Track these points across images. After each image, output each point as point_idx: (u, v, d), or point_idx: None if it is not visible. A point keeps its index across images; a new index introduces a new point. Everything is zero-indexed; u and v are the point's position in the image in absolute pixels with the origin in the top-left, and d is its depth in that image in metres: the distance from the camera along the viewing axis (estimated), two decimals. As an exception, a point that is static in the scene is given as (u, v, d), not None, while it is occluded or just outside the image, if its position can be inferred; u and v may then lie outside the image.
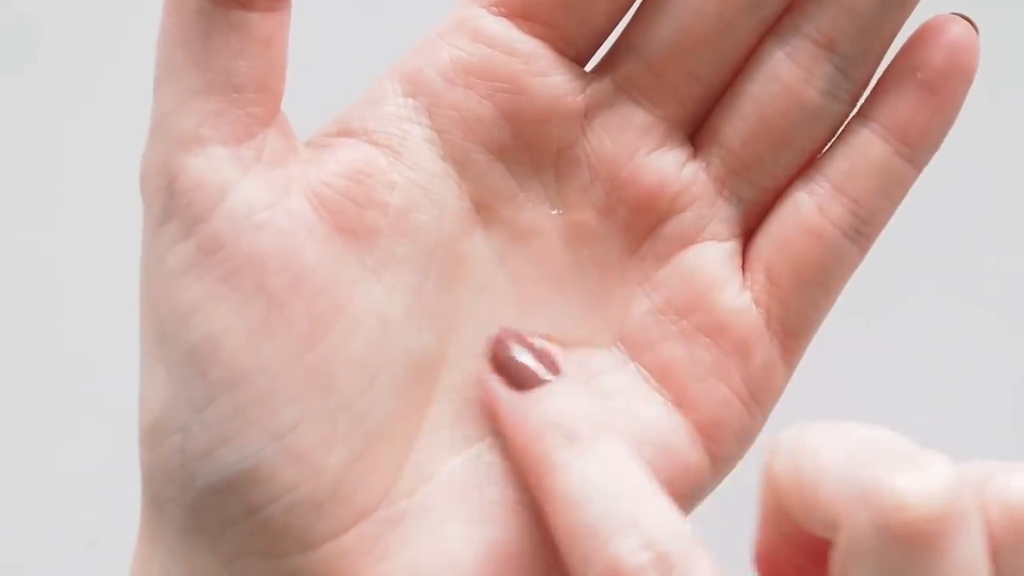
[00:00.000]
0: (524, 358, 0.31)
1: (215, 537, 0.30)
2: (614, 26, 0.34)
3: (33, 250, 0.43)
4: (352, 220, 0.31)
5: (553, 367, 0.31)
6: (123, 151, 0.41)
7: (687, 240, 0.33)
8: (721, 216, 0.33)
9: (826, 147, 0.34)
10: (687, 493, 0.32)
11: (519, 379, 0.31)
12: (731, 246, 0.34)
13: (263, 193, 0.30)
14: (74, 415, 0.42)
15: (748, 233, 0.34)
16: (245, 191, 0.30)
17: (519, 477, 0.31)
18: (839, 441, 0.27)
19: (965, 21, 0.33)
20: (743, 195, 0.34)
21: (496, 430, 0.31)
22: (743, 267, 0.34)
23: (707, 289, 0.33)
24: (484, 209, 0.32)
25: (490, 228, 0.33)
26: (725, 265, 0.33)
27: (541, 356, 0.31)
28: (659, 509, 0.29)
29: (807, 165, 0.34)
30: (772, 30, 0.34)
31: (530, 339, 0.32)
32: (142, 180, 0.30)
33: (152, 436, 0.30)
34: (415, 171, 0.32)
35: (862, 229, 0.33)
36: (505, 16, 0.32)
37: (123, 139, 0.41)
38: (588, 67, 0.34)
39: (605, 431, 0.30)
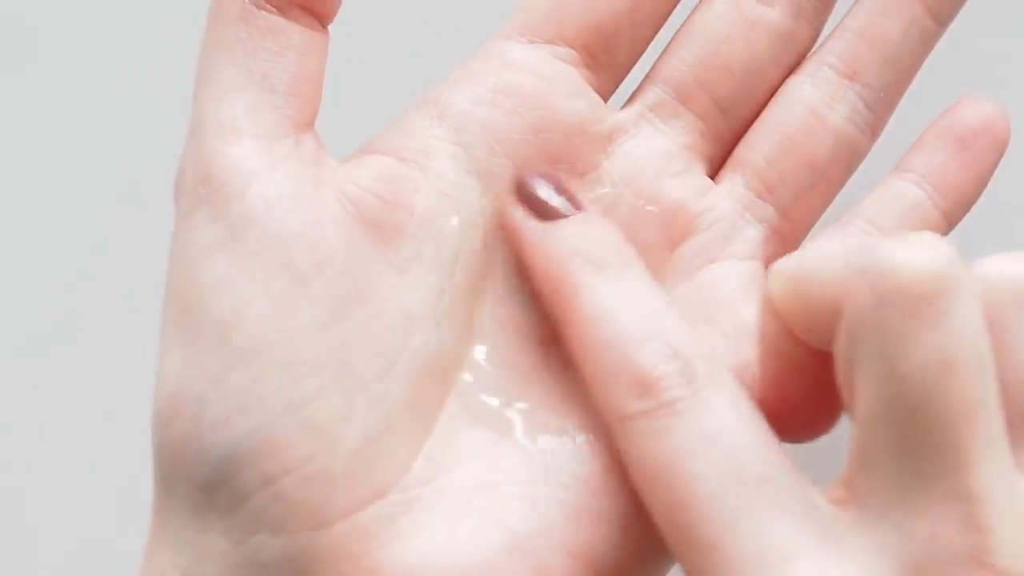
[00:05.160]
0: (547, 192, 0.32)
1: (228, 514, 0.29)
2: (636, 60, 0.35)
3: (33, 250, 0.43)
4: (379, 216, 0.31)
5: (576, 203, 0.32)
6: (124, 151, 0.41)
7: (708, 259, 0.34)
8: (743, 237, 0.34)
9: (850, 181, 0.36)
10: None
11: (542, 210, 0.32)
12: (753, 266, 0.34)
13: (293, 183, 0.31)
14: (74, 415, 0.42)
15: (771, 263, 0.34)
16: (275, 179, 0.30)
17: (534, 472, 0.31)
18: (826, 246, 0.28)
19: (996, 103, 0.35)
20: (766, 219, 0.35)
21: (501, 441, 0.31)
22: None
23: (729, 302, 0.34)
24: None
25: (512, 243, 0.33)
26: (747, 282, 0.34)
27: (564, 192, 0.32)
28: (682, 326, 0.29)
29: (829, 192, 0.35)
30: (798, 66, 0.36)
31: (555, 175, 0.32)
32: (177, 177, 0.31)
33: (166, 412, 0.30)
34: (441, 181, 0.32)
35: None
36: (532, 43, 0.34)
37: (124, 139, 0.41)
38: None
39: (629, 259, 0.31)
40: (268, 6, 0.31)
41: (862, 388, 0.26)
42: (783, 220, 0.35)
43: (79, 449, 0.42)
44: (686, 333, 0.29)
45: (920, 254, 0.26)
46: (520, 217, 0.32)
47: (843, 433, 0.29)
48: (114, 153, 0.42)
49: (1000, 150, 0.35)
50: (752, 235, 0.34)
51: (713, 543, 0.27)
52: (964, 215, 0.35)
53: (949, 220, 0.35)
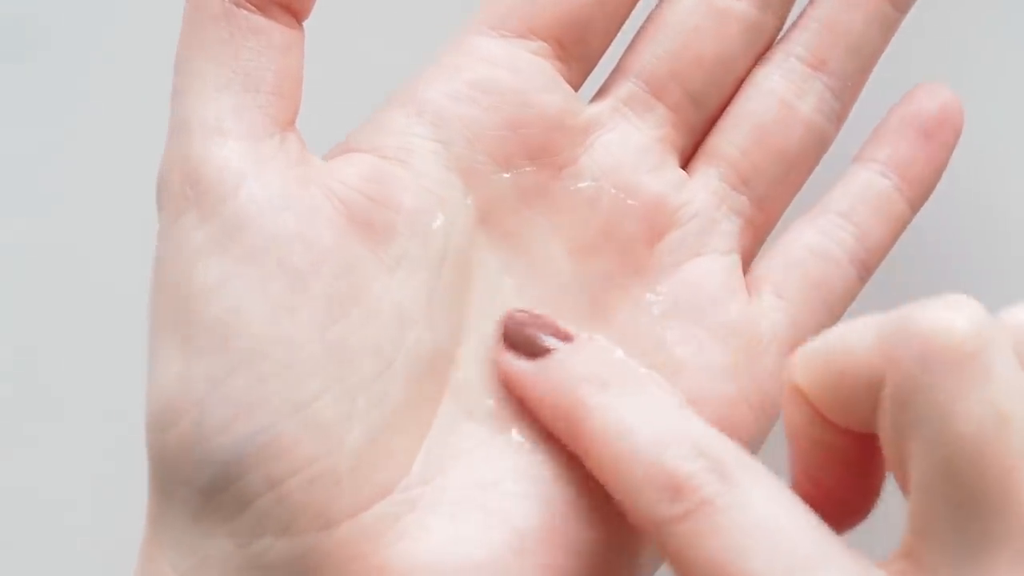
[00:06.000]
0: (534, 332, 0.32)
1: (232, 517, 0.29)
2: (605, 49, 0.35)
3: (33, 251, 0.43)
4: (368, 215, 0.31)
5: (563, 336, 0.32)
6: (123, 152, 0.41)
7: (690, 253, 0.34)
8: (721, 231, 0.35)
9: (816, 178, 0.36)
10: None
11: (533, 350, 0.31)
12: (733, 260, 0.35)
13: (283, 183, 0.30)
14: (74, 415, 0.42)
15: (746, 254, 0.35)
16: (265, 179, 0.30)
17: (533, 470, 0.31)
18: (854, 323, 0.28)
19: (951, 91, 0.36)
20: (741, 211, 0.35)
21: (508, 428, 0.32)
22: (748, 287, 0.35)
23: (715, 297, 0.34)
24: (490, 220, 0.33)
25: (495, 239, 0.33)
26: (730, 276, 0.34)
27: (549, 328, 0.32)
28: (702, 424, 0.29)
29: (798, 181, 0.36)
30: (765, 56, 0.36)
31: (536, 315, 0.32)
32: (161, 179, 0.31)
33: (165, 417, 0.29)
34: (425, 179, 0.32)
35: (867, 260, 0.35)
36: (504, 37, 0.34)
37: (123, 140, 0.41)
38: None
39: (632, 374, 0.30)
40: (249, 5, 0.31)
41: (915, 455, 0.26)
42: (756, 211, 0.35)
43: (77, 449, 0.42)
44: (706, 430, 0.29)
45: (957, 314, 0.26)
46: (512, 361, 0.32)
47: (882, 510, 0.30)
48: (114, 153, 0.41)
49: (957, 136, 0.36)
50: (729, 228, 0.35)
51: None
52: (924, 202, 0.36)
53: (913, 208, 0.36)
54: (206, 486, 0.29)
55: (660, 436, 0.28)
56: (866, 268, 0.35)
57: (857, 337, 0.27)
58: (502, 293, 0.33)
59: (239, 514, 0.29)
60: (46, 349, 0.42)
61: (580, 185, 0.34)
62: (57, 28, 0.43)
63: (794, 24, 0.36)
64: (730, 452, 0.28)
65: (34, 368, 0.42)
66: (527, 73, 0.33)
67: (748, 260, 0.35)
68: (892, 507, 0.28)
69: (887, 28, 0.36)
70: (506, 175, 0.33)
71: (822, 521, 0.27)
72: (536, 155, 0.33)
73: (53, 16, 0.43)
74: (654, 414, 0.29)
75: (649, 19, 0.36)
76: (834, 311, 0.35)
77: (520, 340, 0.32)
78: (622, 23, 0.35)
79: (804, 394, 0.28)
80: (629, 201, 0.34)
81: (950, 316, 0.26)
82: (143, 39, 0.40)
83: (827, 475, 0.29)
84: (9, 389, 0.42)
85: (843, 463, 0.29)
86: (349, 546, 0.29)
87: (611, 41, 0.35)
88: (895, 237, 0.36)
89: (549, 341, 0.32)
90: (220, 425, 0.29)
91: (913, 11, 0.36)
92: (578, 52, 0.34)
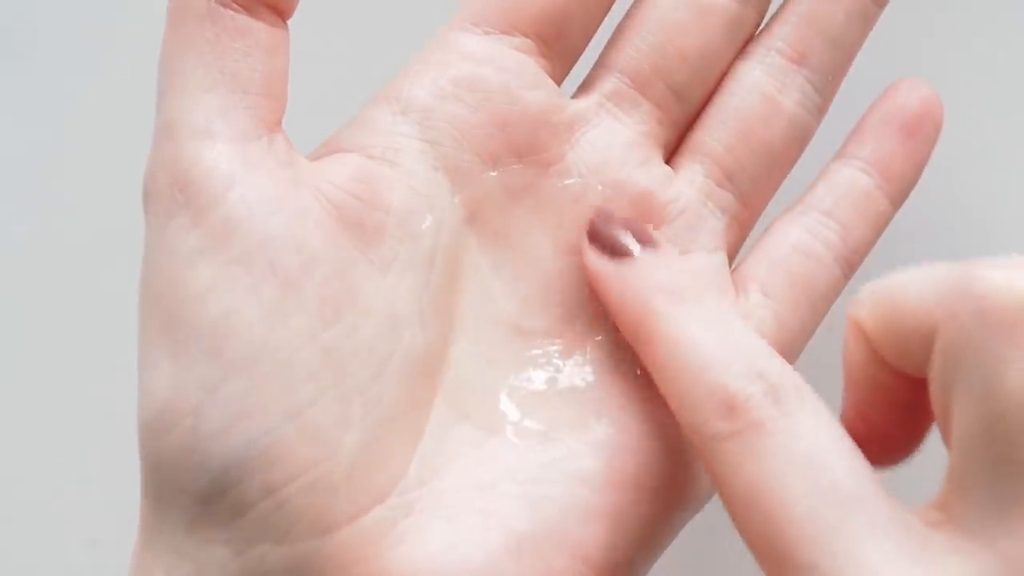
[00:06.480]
0: (618, 232, 0.32)
1: (228, 525, 0.29)
2: (587, 44, 0.35)
3: (32, 251, 0.43)
4: (358, 216, 0.31)
5: (647, 239, 0.32)
6: (123, 153, 0.41)
7: (679, 250, 0.34)
8: (707, 228, 0.35)
9: (800, 174, 0.36)
10: (698, 474, 0.32)
11: (615, 250, 0.32)
12: (720, 257, 0.35)
13: (273, 185, 0.30)
14: (73, 415, 0.42)
15: (730, 249, 0.35)
16: (255, 181, 0.30)
17: (526, 473, 0.31)
18: (920, 270, 0.28)
19: (931, 86, 0.36)
20: (726, 207, 0.35)
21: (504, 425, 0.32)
22: (735, 284, 0.35)
23: None
24: (477, 219, 0.33)
25: (484, 238, 0.33)
26: (718, 274, 0.34)
27: (634, 230, 0.32)
28: (765, 349, 0.29)
29: (781, 176, 0.36)
30: (746, 50, 0.36)
31: (622, 216, 0.33)
32: (147, 182, 0.30)
33: (159, 424, 0.29)
34: (412, 178, 0.32)
35: (850, 258, 0.35)
36: (488, 34, 0.33)
37: (123, 140, 0.41)
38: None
39: (706, 288, 0.31)
40: (235, 5, 0.30)
41: (959, 410, 0.26)
42: (741, 207, 0.35)
43: (74, 450, 0.42)
44: (770, 353, 0.29)
45: (1017, 276, 0.26)
46: (594, 259, 0.32)
47: (927, 457, 0.30)
48: (109, 154, 0.41)
49: (938, 132, 0.36)
50: (715, 225, 0.35)
51: (808, 563, 0.26)
52: (906, 198, 0.36)
53: (895, 205, 0.36)
54: (203, 492, 0.29)
55: (725, 354, 0.29)
56: (850, 265, 0.35)
57: (920, 284, 0.28)
58: (492, 292, 0.33)
59: (236, 520, 0.29)
60: (46, 348, 0.42)
61: (567, 182, 0.34)
62: (53, 29, 0.43)
63: (774, 18, 0.36)
64: (789, 378, 0.28)
65: (33, 367, 0.42)
66: (512, 70, 0.33)
67: (732, 256, 0.35)
68: (936, 457, 0.29)
69: (866, 22, 0.36)
70: (493, 173, 0.33)
71: (865, 460, 0.27)
72: (523, 152, 0.33)
73: (49, 17, 0.43)
74: (722, 331, 0.29)
75: (629, 14, 0.35)
76: (818, 308, 0.35)
77: (603, 237, 0.32)
78: (603, 17, 0.35)
79: (865, 331, 0.29)
80: (618, 195, 0.34)
81: (1012, 275, 0.26)
82: (139, 40, 0.40)
83: (876, 412, 0.29)
84: (8, 389, 0.42)
85: (893, 403, 0.29)
86: (349, 551, 0.29)
87: (592, 36, 0.35)
88: (878, 234, 0.36)
89: (631, 243, 0.32)
90: (217, 430, 0.29)
91: (891, 5, 0.36)
92: (560, 47, 0.34)
